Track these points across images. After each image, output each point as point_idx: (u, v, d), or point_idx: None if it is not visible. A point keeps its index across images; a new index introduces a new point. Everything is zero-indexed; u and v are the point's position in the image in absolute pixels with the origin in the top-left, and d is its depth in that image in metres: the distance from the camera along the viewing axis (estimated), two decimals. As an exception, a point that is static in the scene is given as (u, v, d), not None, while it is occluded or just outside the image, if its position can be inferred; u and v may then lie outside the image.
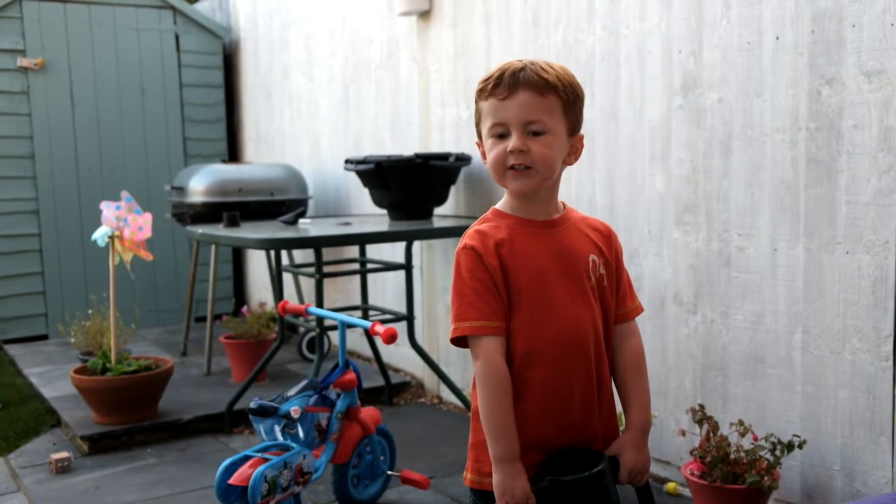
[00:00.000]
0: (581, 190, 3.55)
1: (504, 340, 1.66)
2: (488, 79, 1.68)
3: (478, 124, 1.75)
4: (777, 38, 2.78)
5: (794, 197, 2.77)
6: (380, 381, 4.54)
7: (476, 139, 1.79)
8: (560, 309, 1.68)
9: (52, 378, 4.90)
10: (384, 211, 4.56)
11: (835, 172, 2.64)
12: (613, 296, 1.79)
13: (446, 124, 4.45)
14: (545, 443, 1.69)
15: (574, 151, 1.74)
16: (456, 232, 4.09)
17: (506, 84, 1.64)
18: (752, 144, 2.89)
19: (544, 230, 1.72)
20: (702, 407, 2.83)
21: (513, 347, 1.67)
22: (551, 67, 1.68)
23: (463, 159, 4.17)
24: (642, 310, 1.86)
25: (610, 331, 1.78)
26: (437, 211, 4.48)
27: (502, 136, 1.66)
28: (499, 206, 1.78)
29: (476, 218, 4.30)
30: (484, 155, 1.76)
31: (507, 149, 1.65)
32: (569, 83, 1.69)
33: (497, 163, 1.67)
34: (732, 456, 2.69)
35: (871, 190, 2.54)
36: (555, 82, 1.66)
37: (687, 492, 3.03)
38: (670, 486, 3.18)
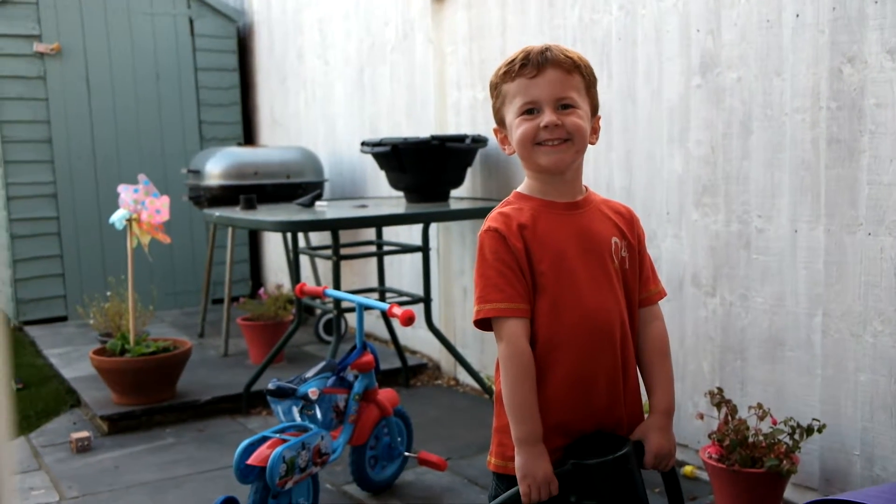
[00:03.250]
0: (598, 172, 3.53)
1: (528, 323, 1.65)
2: (513, 61, 1.68)
3: (497, 110, 1.74)
4: (797, 15, 2.74)
5: (814, 178, 2.74)
6: (397, 364, 4.55)
7: (494, 126, 1.78)
8: (584, 292, 1.67)
9: (72, 359, 4.94)
10: (400, 193, 4.55)
11: (856, 152, 2.61)
12: (636, 279, 1.78)
13: (462, 106, 4.43)
14: (569, 427, 1.68)
15: (594, 131, 1.75)
16: (472, 214, 4.08)
17: (534, 63, 1.65)
18: (771, 124, 2.86)
19: (567, 212, 1.72)
20: (720, 390, 2.81)
21: (535, 331, 1.67)
22: (570, 50, 1.71)
23: (479, 141, 4.15)
24: (665, 293, 1.86)
25: (634, 314, 1.77)
26: (454, 193, 4.47)
27: (531, 113, 1.67)
28: (521, 188, 1.77)
29: (492, 200, 4.30)
30: (502, 142, 1.76)
31: (542, 124, 1.65)
32: (587, 65, 1.72)
33: (526, 139, 1.67)
34: (751, 439, 2.67)
35: (894, 170, 2.51)
36: (578, 62, 1.70)
37: (704, 475, 3.02)
38: (688, 469, 3.17)
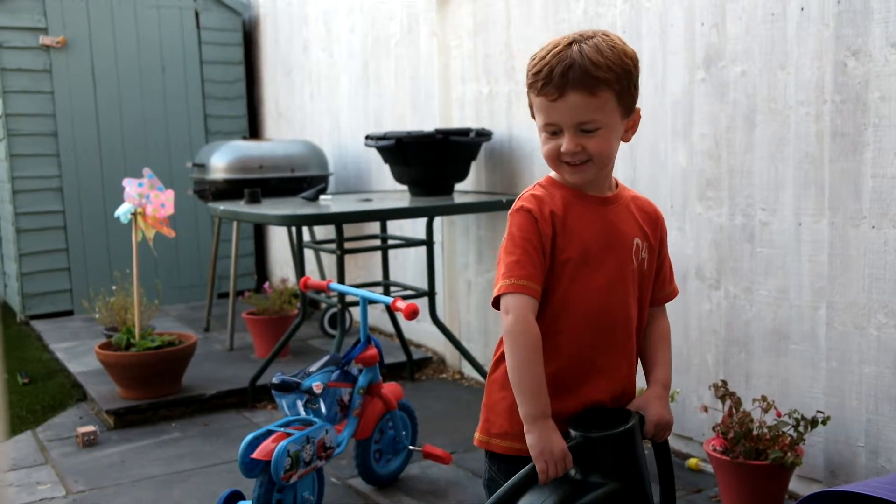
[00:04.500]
0: (603, 165, 3.52)
1: (537, 305, 1.63)
2: (538, 73, 1.62)
3: (530, 106, 1.72)
4: (802, 8, 2.73)
5: (818, 171, 2.73)
6: (402, 357, 4.56)
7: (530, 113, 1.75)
8: (597, 289, 1.67)
9: (78, 353, 4.95)
10: (405, 187, 4.55)
11: (860, 146, 2.60)
12: (651, 280, 1.78)
13: (467, 100, 4.43)
14: (556, 415, 1.64)
15: (631, 127, 1.71)
16: (477, 208, 4.09)
17: (555, 85, 1.59)
18: (775, 118, 2.85)
19: (597, 206, 1.71)
20: (724, 383, 2.82)
21: (541, 316, 1.65)
22: (602, 54, 1.60)
23: (483, 135, 4.15)
24: (678, 292, 1.88)
25: (643, 315, 1.78)
26: (458, 187, 4.47)
27: (555, 133, 1.64)
28: (554, 175, 1.75)
29: (497, 193, 4.30)
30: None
31: (562, 149, 1.63)
32: (621, 68, 1.62)
33: (551, 157, 1.66)
34: (755, 432, 2.68)
35: (898, 163, 2.50)
36: (606, 76, 1.59)
37: (709, 468, 3.02)
38: (692, 461, 3.17)
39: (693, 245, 3.19)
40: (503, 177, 4.29)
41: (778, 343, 2.90)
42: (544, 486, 1.58)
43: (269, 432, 2.71)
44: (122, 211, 4.07)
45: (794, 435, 2.65)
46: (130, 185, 4.07)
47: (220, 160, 5.38)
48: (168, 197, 4.10)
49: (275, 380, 2.83)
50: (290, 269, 6.20)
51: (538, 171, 3.90)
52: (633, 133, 1.72)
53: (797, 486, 2.84)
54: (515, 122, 4.10)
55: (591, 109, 1.60)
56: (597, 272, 1.67)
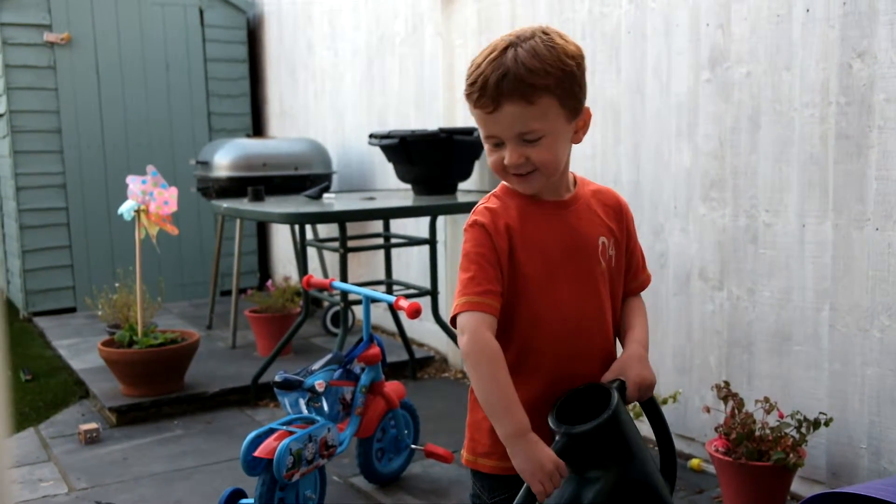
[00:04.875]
0: (606, 166, 3.52)
1: (495, 322, 1.54)
2: (472, 84, 1.51)
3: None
4: (807, 10, 2.73)
5: (823, 173, 2.73)
6: (404, 356, 4.56)
7: None
8: (566, 299, 1.59)
9: (80, 350, 4.96)
10: (408, 186, 4.56)
11: (865, 148, 2.60)
12: (621, 275, 1.70)
13: (471, 99, 4.42)
14: (545, 431, 1.55)
15: (581, 127, 1.60)
16: (480, 207, 4.08)
17: (490, 96, 1.48)
18: (780, 119, 2.85)
19: (554, 212, 1.62)
20: (727, 384, 2.82)
21: (513, 336, 1.59)
22: (538, 58, 1.48)
23: (487, 134, 4.15)
24: (650, 279, 1.79)
25: (617, 312, 1.70)
26: (462, 186, 4.47)
27: (498, 145, 1.55)
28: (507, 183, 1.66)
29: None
30: None
31: (505, 161, 1.54)
32: (561, 70, 1.50)
33: (497, 169, 1.58)
34: (758, 433, 2.67)
35: (903, 165, 2.50)
36: (544, 82, 1.48)
37: (711, 468, 3.02)
38: (694, 462, 3.17)
39: (696, 246, 3.19)
40: (507, 176, 4.28)
41: (781, 344, 2.90)
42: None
43: (272, 430, 2.71)
44: (126, 208, 4.08)
45: (797, 436, 2.65)
46: (134, 183, 4.08)
47: (224, 158, 5.39)
48: (171, 194, 4.11)
49: (277, 378, 2.84)
50: (292, 268, 6.20)
51: (542, 171, 3.90)
52: (585, 133, 1.62)
53: (799, 487, 2.84)
54: (519, 121, 4.09)
55: (531, 119, 1.49)
56: (564, 282, 1.59)
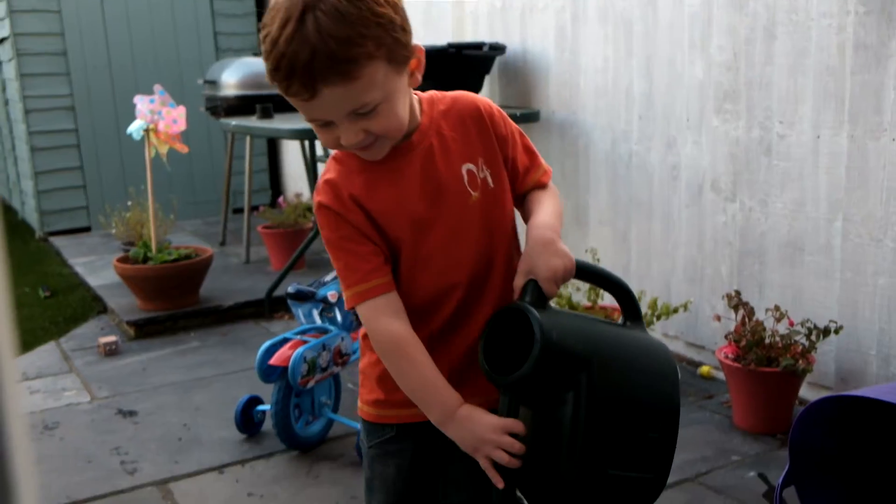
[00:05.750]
0: (618, 78, 3.49)
1: (392, 296, 1.37)
2: (276, 70, 1.24)
3: None
4: (828, -87, 2.67)
5: (839, 84, 2.70)
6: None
7: None
8: (442, 251, 1.39)
9: (97, 268, 5.01)
10: (418, 102, 4.52)
11: (884, 58, 2.57)
12: (507, 191, 1.46)
13: (480, 13, 4.37)
14: (455, 380, 1.40)
15: (416, 67, 1.35)
16: (491, 122, 4.06)
17: (301, 83, 1.22)
18: (797, 30, 2.81)
19: (403, 158, 1.38)
20: (738, 293, 2.84)
21: (414, 304, 1.41)
22: (346, 21, 1.19)
23: (497, 49, 4.11)
24: (550, 171, 1.52)
25: (513, 231, 1.49)
26: (473, 102, 4.44)
27: (327, 124, 1.30)
28: None
29: (511, 107, 4.25)
30: None
31: (341, 141, 1.30)
32: (378, 26, 1.23)
33: (332, 147, 1.33)
34: (767, 340, 2.71)
35: (921, 72, 2.47)
36: (361, 51, 1.21)
37: (721, 375, 3.07)
38: (704, 369, 3.22)
39: (709, 158, 3.18)
40: (517, 91, 4.25)
41: (792, 255, 2.92)
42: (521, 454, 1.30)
43: (286, 340, 2.76)
44: (135, 128, 4.08)
45: (806, 343, 2.68)
46: (142, 102, 4.06)
47: (232, 77, 5.35)
48: (180, 113, 4.10)
49: (290, 290, 2.87)
50: (304, 184, 6.21)
51: (553, 86, 3.87)
52: (422, 71, 1.35)
53: (808, 392, 2.88)
54: (529, 35, 4.04)
55: (358, 94, 1.24)
56: (434, 233, 1.38)
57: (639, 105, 3.42)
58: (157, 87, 4.09)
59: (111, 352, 3.72)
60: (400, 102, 1.31)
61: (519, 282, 1.35)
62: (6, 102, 6.54)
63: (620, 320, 1.49)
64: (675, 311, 3.15)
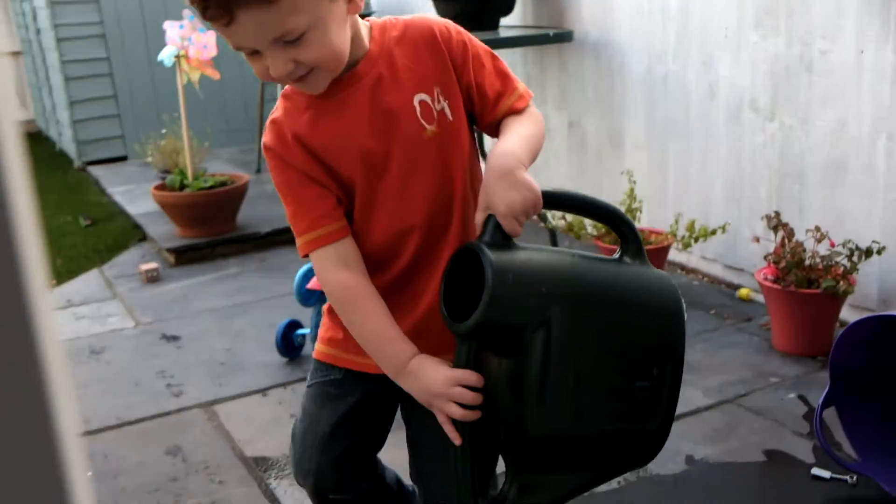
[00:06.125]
0: (657, -6, 3.40)
1: (344, 242, 1.30)
2: None
3: None
4: None
5: (886, -5, 2.61)
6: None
7: None
8: (398, 190, 1.31)
9: (135, 196, 5.07)
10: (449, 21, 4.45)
11: (933, -35, 2.48)
12: (465, 123, 1.35)
13: (514, -71, 4.25)
14: (412, 333, 1.33)
15: None
16: (523, 41, 3.99)
17: (217, 6, 1.12)
18: (842, -62, 2.71)
19: (349, 90, 1.28)
20: (777, 214, 2.81)
21: (369, 250, 1.34)
22: None
23: (532, -34, 4.01)
24: (529, 94, 1.37)
25: (470, 168, 1.37)
26: (503, 21, 4.36)
27: (255, 53, 1.21)
28: None
29: (543, 27, 4.17)
30: None
31: (271, 73, 1.20)
32: None
33: (265, 78, 1.23)
34: (808, 262, 2.68)
35: (973, -18, 2.38)
36: None
37: (760, 298, 3.05)
38: (743, 291, 3.21)
39: (748, 76, 3.11)
40: (550, 10, 4.17)
41: (834, 175, 2.87)
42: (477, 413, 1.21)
43: (325, 264, 2.78)
44: (166, 55, 4.05)
45: (848, 265, 2.65)
46: (171, 28, 4.04)
47: (263, 0, 5.29)
48: (210, 38, 4.06)
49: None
50: (336, 111, 6.18)
51: (586, 5, 3.79)
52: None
53: (849, 314, 2.86)
54: (565, -49, 3.94)
55: (280, 19, 1.14)
56: (388, 171, 1.30)
57: (675, 22, 3.34)
58: (186, 13, 4.05)
59: (152, 278, 3.79)
60: (334, 30, 1.20)
61: (479, 218, 1.22)
62: (38, 31, 6.53)
63: (618, 254, 1.31)
64: (713, 233, 3.12)
